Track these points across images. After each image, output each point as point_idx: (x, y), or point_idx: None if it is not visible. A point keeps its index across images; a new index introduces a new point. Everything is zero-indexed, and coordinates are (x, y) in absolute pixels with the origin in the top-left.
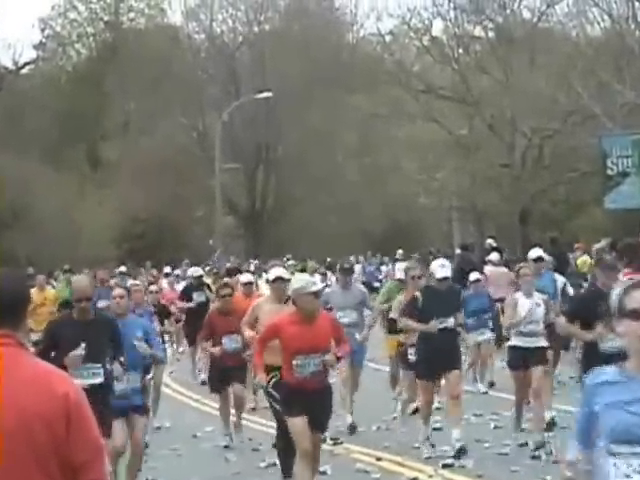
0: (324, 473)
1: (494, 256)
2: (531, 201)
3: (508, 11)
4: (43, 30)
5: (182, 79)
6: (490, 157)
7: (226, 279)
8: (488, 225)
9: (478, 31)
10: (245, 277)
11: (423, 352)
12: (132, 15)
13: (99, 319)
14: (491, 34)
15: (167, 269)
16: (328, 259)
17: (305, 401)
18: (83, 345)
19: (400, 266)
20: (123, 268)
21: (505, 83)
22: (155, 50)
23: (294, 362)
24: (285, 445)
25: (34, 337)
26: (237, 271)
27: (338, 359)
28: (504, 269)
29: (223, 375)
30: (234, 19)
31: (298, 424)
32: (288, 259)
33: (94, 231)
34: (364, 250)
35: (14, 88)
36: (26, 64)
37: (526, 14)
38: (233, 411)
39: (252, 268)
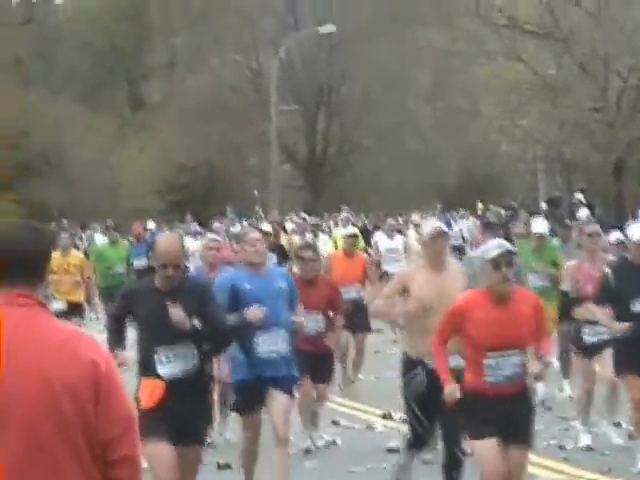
0: (393, 450)
1: (583, 213)
2: (627, 150)
3: None
4: None
5: (234, 10)
6: (581, 100)
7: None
8: (578, 177)
9: None
10: (348, 228)
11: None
12: None
13: (189, 286)
14: None
15: (217, 224)
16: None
17: (497, 414)
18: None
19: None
20: (152, 225)
21: (598, 16)
22: None
23: (485, 362)
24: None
25: (56, 306)
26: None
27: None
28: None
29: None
30: None
31: (488, 449)
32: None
33: (135, 180)
34: (438, 204)
35: (47, 20)
36: None
37: None
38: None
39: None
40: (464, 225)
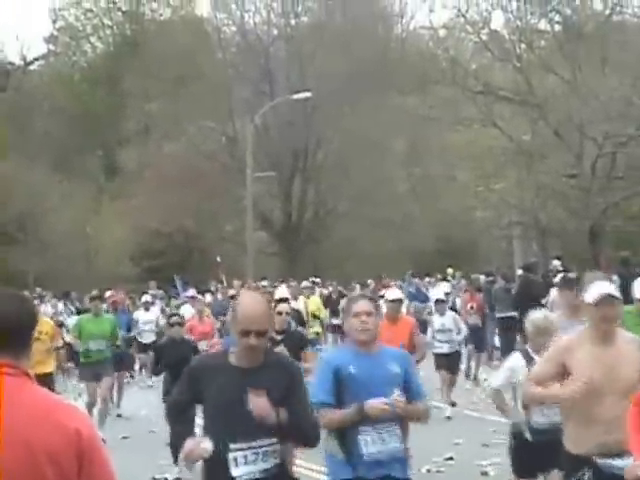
0: None
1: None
2: (602, 216)
3: (577, 2)
4: (55, 21)
5: (210, 78)
6: (556, 166)
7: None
8: (553, 243)
9: (543, 24)
10: (393, 292)
11: None
12: (154, 5)
13: (274, 363)
14: (558, 28)
15: (191, 292)
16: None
17: None
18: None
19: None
20: (150, 295)
21: (573, 83)
22: (180, 45)
23: None
24: None
25: None
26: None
27: None
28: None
29: None
30: (268, 10)
31: None
32: (314, 281)
33: (110, 247)
34: (413, 270)
35: (22, 86)
36: (35, 59)
37: (597, 5)
38: None
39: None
40: (440, 290)
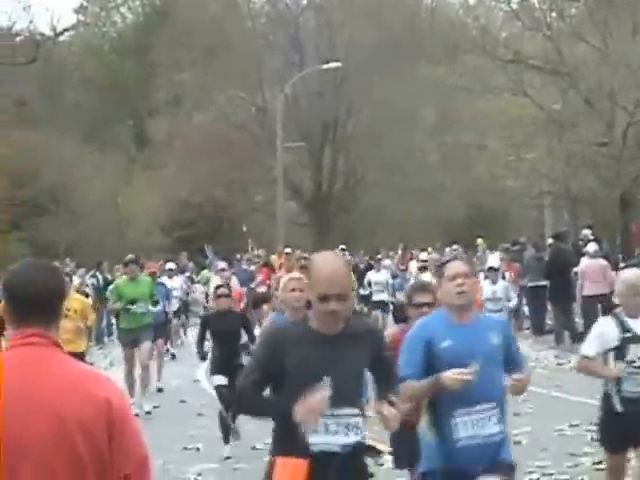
0: None
1: (591, 247)
2: (633, 185)
3: None
4: None
5: (239, 48)
6: (587, 135)
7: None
8: (584, 212)
9: None
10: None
11: None
12: None
13: (357, 330)
14: None
15: (221, 264)
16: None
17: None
18: (327, 380)
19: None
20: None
21: (604, 51)
22: (209, 15)
23: None
24: None
25: None
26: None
27: None
28: (602, 261)
29: None
30: None
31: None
32: (343, 250)
33: (141, 218)
34: (443, 239)
35: (52, 57)
36: (65, 30)
37: None
38: None
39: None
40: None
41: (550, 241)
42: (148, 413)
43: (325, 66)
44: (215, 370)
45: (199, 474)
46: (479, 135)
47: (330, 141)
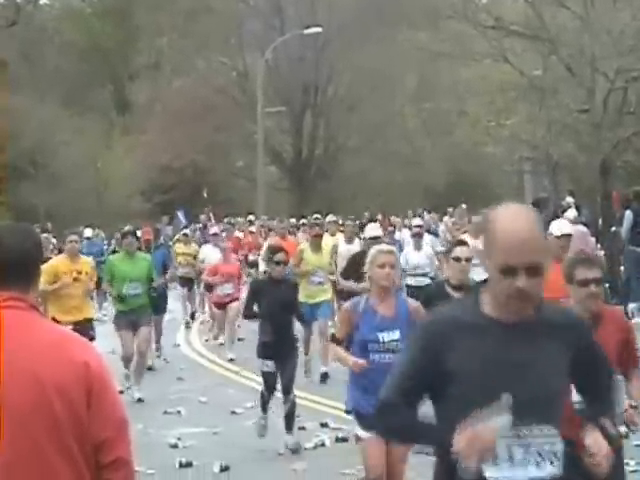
0: None
1: (570, 213)
2: (613, 152)
3: None
4: None
5: (220, 12)
6: (567, 102)
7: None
8: (564, 178)
9: None
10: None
11: None
12: None
13: (554, 318)
14: None
15: (215, 228)
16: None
17: None
18: (508, 397)
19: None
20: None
21: (585, 18)
22: None
23: None
24: None
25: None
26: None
27: None
28: (582, 228)
29: None
30: None
31: None
32: (317, 218)
33: (121, 182)
34: (424, 205)
35: (32, 21)
36: None
37: None
38: None
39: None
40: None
41: (530, 207)
42: (140, 400)
43: (306, 31)
44: (263, 352)
45: (179, 438)
46: (460, 101)
47: (311, 106)
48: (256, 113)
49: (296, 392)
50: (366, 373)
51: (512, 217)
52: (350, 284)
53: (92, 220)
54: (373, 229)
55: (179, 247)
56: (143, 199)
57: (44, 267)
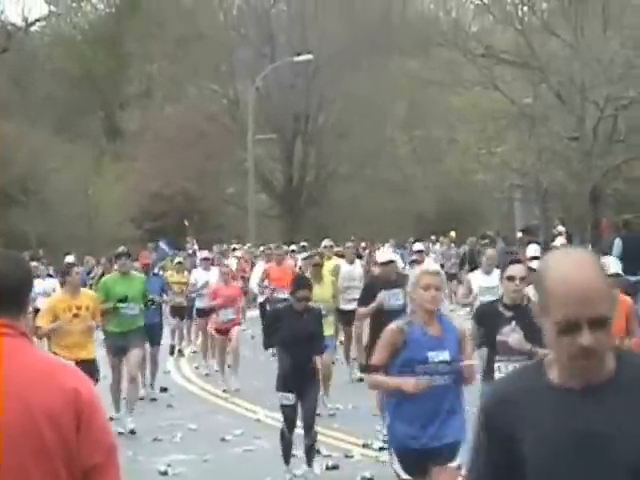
0: None
1: (559, 241)
2: (603, 179)
3: None
4: None
5: (211, 40)
6: (557, 129)
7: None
8: (554, 206)
9: None
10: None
11: None
12: None
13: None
14: None
15: (204, 253)
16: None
17: None
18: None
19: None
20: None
21: (575, 46)
22: (181, 6)
23: None
24: None
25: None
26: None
27: None
28: None
29: None
30: None
31: None
32: (303, 247)
33: (111, 209)
34: (415, 233)
35: (23, 48)
36: (37, 20)
37: None
38: None
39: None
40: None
41: (519, 235)
42: (132, 433)
43: (297, 59)
44: (283, 384)
45: (169, 465)
46: (450, 129)
47: (301, 133)
48: (247, 140)
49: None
50: (413, 400)
51: (568, 264)
52: (368, 311)
53: (83, 247)
54: (386, 254)
55: (172, 275)
56: (134, 226)
57: (43, 306)
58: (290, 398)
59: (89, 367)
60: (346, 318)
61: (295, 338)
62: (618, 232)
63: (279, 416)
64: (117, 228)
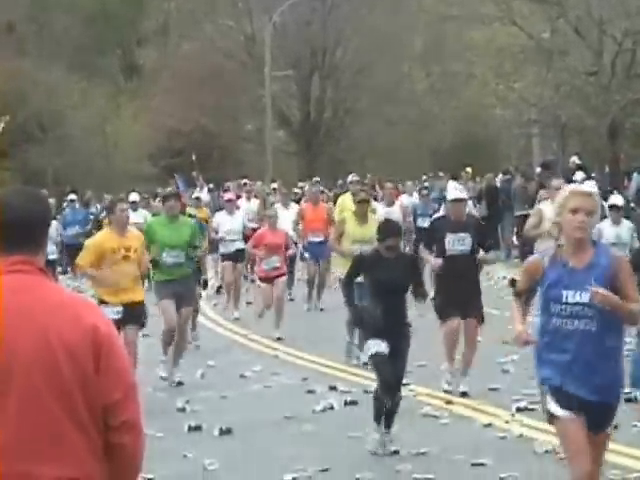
0: None
1: (579, 176)
2: (621, 113)
3: None
4: None
5: None
6: (575, 64)
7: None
8: (572, 141)
9: None
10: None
11: None
12: None
13: None
14: None
15: (228, 195)
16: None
17: None
18: None
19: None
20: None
21: None
22: None
23: None
24: None
25: (109, 315)
26: None
27: None
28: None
29: None
30: None
31: None
32: (318, 182)
33: (128, 146)
34: (432, 168)
35: None
36: None
37: None
38: None
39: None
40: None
41: (538, 170)
42: (180, 384)
43: None
44: (372, 332)
45: (187, 402)
46: (468, 64)
47: (319, 69)
48: (264, 77)
49: (304, 355)
50: (549, 340)
51: None
52: (429, 257)
53: (100, 184)
54: (456, 190)
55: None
56: (151, 163)
57: (86, 244)
58: (382, 345)
59: (138, 310)
60: None
61: (385, 286)
62: (636, 166)
63: (297, 352)
64: (135, 165)
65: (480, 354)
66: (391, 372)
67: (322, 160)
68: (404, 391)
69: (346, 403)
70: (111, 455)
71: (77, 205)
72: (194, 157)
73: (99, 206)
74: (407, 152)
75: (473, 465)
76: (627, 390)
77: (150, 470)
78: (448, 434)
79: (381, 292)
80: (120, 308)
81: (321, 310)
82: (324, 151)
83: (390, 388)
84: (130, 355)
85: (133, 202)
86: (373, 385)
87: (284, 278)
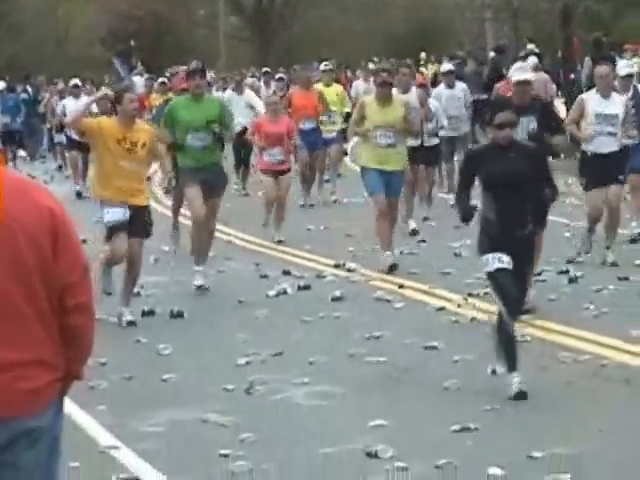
0: (339, 299)
1: (531, 60)
2: None
3: None
4: None
5: None
6: None
7: None
8: (525, 25)
9: None
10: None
11: None
12: None
13: None
14: None
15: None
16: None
17: None
18: None
19: None
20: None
21: None
22: None
23: None
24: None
25: (114, 217)
26: None
27: None
28: (544, 75)
29: None
30: None
31: None
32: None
33: (81, 30)
34: (385, 53)
35: None
36: None
37: None
38: None
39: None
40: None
41: (492, 54)
42: (204, 288)
43: None
44: (488, 244)
45: (142, 287)
46: None
47: None
48: None
49: (259, 241)
50: None
51: None
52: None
53: (52, 69)
54: (522, 71)
55: (155, 99)
56: (104, 48)
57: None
58: (504, 259)
59: (143, 215)
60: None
61: (501, 181)
62: (588, 51)
63: (249, 237)
64: (87, 50)
65: (433, 238)
66: (513, 289)
67: (275, 46)
68: (355, 276)
69: (299, 288)
70: (65, 337)
71: (5, 92)
72: (132, 43)
73: (30, 89)
74: (360, 37)
75: (426, 348)
76: None
77: (103, 354)
78: (401, 318)
79: (497, 190)
80: (125, 209)
81: (311, 206)
82: (277, 37)
83: (513, 304)
84: (134, 268)
85: (75, 86)
86: (326, 270)
87: (289, 175)
